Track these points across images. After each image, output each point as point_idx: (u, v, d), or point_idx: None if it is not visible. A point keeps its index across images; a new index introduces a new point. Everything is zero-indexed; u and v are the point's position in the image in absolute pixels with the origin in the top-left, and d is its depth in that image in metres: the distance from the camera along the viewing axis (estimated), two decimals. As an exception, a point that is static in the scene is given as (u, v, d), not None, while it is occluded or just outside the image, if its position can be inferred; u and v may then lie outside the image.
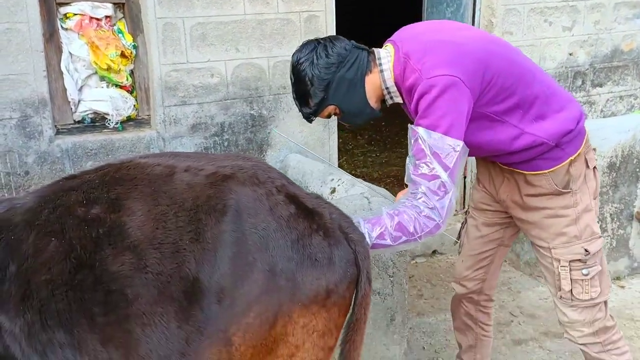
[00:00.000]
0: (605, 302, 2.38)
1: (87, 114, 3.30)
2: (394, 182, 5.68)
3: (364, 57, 2.15)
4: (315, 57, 2.09)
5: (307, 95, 2.14)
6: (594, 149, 2.42)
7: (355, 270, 1.88)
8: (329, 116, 2.24)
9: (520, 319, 3.75)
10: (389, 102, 2.26)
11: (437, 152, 1.98)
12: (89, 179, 1.84)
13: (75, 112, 3.28)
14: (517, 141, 2.18)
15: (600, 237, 2.33)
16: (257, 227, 1.74)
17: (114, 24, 3.31)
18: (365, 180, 4.03)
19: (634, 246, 4.16)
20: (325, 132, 3.82)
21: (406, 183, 2.13)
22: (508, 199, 2.40)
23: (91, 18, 3.21)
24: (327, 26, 3.71)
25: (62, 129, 3.24)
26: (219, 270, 1.70)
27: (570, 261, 2.30)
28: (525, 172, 2.28)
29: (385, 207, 2.17)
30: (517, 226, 2.55)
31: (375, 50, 2.22)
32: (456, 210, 4.78)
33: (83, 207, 1.74)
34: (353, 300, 1.90)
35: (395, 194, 3.01)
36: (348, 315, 1.91)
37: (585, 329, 2.38)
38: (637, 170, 3.99)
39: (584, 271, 2.29)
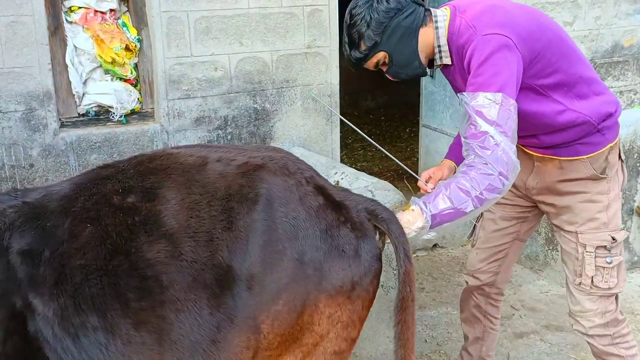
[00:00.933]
0: (618, 295, 2.42)
1: (92, 107, 3.31)
2: (394, 176, 5.70)
3: (421, 11, 2.21)
4: (375, 0, 2.14)
5: (361, 37, 2.16)
6: None
7: (380, 265, 1.92)
8: (375, 66, 2.25)
9: (521, 312, 3.78)
10: (438, 62, 2.26)
11: (479, 110, 2.01)
12: (123, 168, 1.89)
13: (80, 105, 3.29)
14: (562, 116, 2.21)
15: (622, 229, 2.38)
16: (288, 216, 1.78)
17: (119, 18, 3.31)
18: (367, 173, 4.05)
19: (634, 240, 4.19)
20: (327, 125, 3.83)
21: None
22: (539, 185, 2.42)
23: (96, 11, 3.21)
24: (331, 20, 3.72)
25: (66, 122, 3.25)
26: (250, 258, 1.73)
27: (596, 248, 2.33)
28: (561, 157, 2.31)
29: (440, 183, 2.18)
30: (534, 221, 2.59)
31: (432, 9, 2.26)
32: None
33: (119, 195, 1.78)
34: (397, 280, 1.92)
35: (395, 188, 3.12)
36: (395, 297, 1.94)
37: (597, 319, 2.41)
38: (638, 165, 4.02)
39: (608, 259, 2.32)
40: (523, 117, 2.17)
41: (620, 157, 2.35)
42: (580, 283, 2.40)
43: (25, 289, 1.70)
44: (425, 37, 2.20)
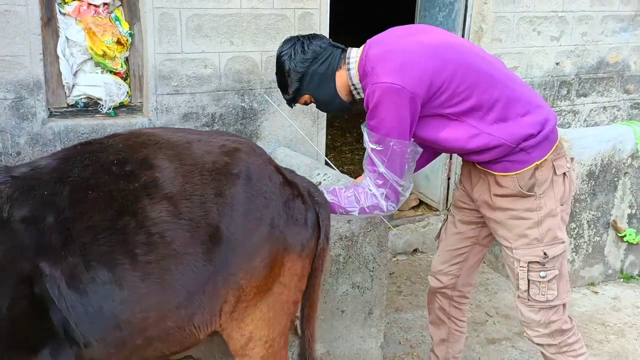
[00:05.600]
0: (564, 305, 2.49)
1: (81, 99, 3.35)
2: (380, 180, 5.76)
3: (336, 55, 2.45)
4: (293, 52, 2.42)
5: (285, 84, 2.49)
6: (572, 158, 2.52)
7: (318, 230, 2.30)
8: (306, 103, 2.56)
9: (495, 319, 3.86)
10: (357, 97, 2.50)
11: (374, 148, 2.31)
12: (110, 143, 2.13)
13: (69, 96, 3.33)
14: (475, 140, 2.33)
15: (563, 242, 2.43)
16: (262, 190, 2.12)
17: (112, 11, 3.36)
18: (351, 177, 4.11)
19: (609, 253, 4.28)
20: (314, 127, 3.89)
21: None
22: (480, 198, 2.53)
23: (89, 4, 3.25)
24: (321, 24, 3.78)
25: (55, 112, 3.29)
26: (234, 222, 2.04)
27: (529, 262, 2.42)
28: (495, 172, 2.42)
29: (350, 183, 2.62)
30: None
31: (350, 49, 2.48)
32: (438, 210, 4.89)
33: (115, 165, 2.01)
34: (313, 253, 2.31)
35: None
36: (311, 267, 2.32)
37: (541, 330, 2.50)
38: (615, 179, 4.11)
39: (542, 273, 2.41)
40: (437, 142, 2.40)
41: (555, 171, 2.39)
42: (519, 296, 2.49)
43: (33, 254, 1.84)
44: (341, 79, 2.45)
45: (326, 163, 3.52)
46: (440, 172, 4.83)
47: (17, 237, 1.85)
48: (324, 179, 3.28)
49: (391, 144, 2.26)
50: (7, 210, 1.87)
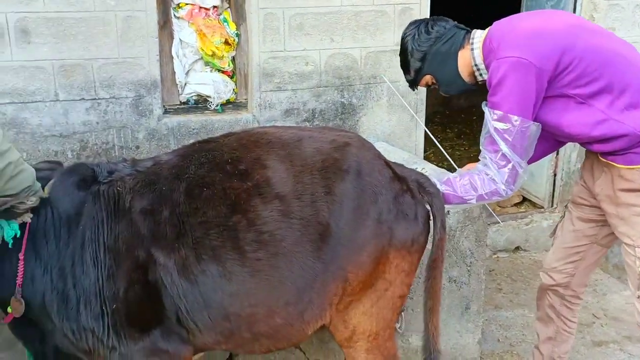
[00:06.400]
0: None
1: (192, 96, 3.58)
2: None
3: (460, 35, 2.43)
4: (417, 32, 2.43)
5: (407, 65, 2.49)
6: None
7: (429, 225, 2.28)
8: (427, 85, 2.55)
9: (602, 321, 3.69)
10: (479, 78, 2.45)
11: (497, 127, 2.23)
12: (225, 142, 2.24)
13: (182, 94, 3.57)
14: (601, 126, 2.22)
15: None
16: (372, 184, 2.15)
17: (220, 14, 3.56)
18: (451, 172, 4.08)
19: None
20: (412, 122, 3.90)
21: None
22: (602, 192, 2.42)
23: (200, 8, 3.47)
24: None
25: (169, 108, 3.55)
26: (344, 218, 2.09)
27: None
28: (619, 165, 2.30)
29: (460, 170, 2.55)
30: None
31: (474, 30, 2.45)
32: (543, 208, 4.72)
33: (229, 164, 2.13)
34: (431, 244, 2.28)
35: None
36: (428, 258, 2.31)
37: None
38: None
39: None
40: (558, 126, 2.30)
41: None
42: (638, 296, 2.35)
43: (148, 244, 2.03)
44: (463, 59, 2.42)
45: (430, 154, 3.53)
46: (545, 168, 4.66)
47: (136, 227, 2.04)
48: (422, 173, 3.29)
49: (516, 122, 2.19)
50: (129, 201, 2.07)
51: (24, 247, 2.00)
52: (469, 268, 3.12)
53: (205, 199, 2.06)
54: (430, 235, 2.31)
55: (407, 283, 2.27)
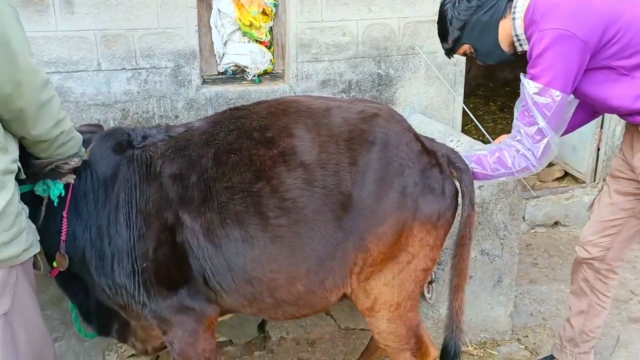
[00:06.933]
0: None
1: (230, 67, 3.63)
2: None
3: (502, 4, 2.36)
4: (457, 0, 2.37)
5: (446, 33, 2.44)
6: None
7: (457, 201, 2.26)
8: (465, 54, 2.50)
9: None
10: (519, 49, 2.41)
11: (537, 101, 2.18)
12: (255, 110, 2.27)
13: (220, 64, 3.63)
14: None
15: None
16: (398, 157, 2.15)
17: (258, -17, 3.57)
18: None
19: None
20: (450, 94, 3.86)
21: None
22: None
23: (238, -22, 3.49)
24: (461, -12, 3.70)
25: (207, 79, 3.61)
26: (366, 189, 2.11)
27: None
28: None
29: (489, 146, 2.50)
30: None
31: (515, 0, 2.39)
32: (585, 182, 4.62)
33: (257, 132, 2.17)
34: (459, 221, 2.28)
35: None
36: (456, 235, 2.31)
37: None
38: None
39: None
40: (600, 100, 2.26)
41: None
42: None
43: (176, 207, 2.12)
44: (504, 29, 2.36)
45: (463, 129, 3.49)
46: (589, 142, 4.55)
47: (165, 191, 2.13)
48: (457, 146, 3.27)
49: (557, 97, 2.16)
50: (159, 165, 2.16)
51: (67, 205, 2.12)
52: (502, 241, 3.11)
53: (232, 164, 2.12)
54: (458, 212, 2.30)
55: (431, 257, 2.26)
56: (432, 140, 2.37)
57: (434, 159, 2.22)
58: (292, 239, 2.08)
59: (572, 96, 2.22)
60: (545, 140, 2.22)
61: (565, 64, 2.14)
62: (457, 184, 2.27)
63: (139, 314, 2.20)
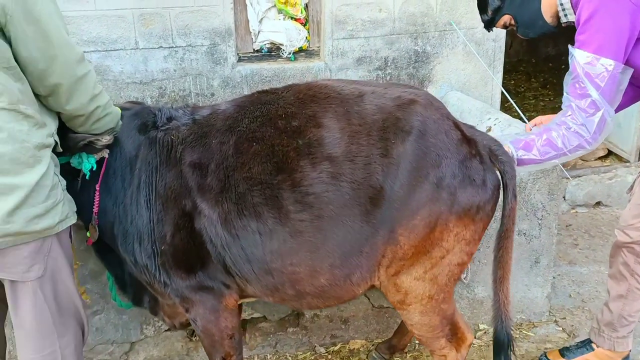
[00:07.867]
0: None
1: (265, 44, 3.62)
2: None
3: None
4: None
5: (485, 3, 2.35)
6: None
7: (499, 193, 2.15)
8: (505, 26, 2.40)
9: (684, 282, 3.51)
10: (562, 20, 2.30)
11: (588, 71, 2.07)
12: (283, 95, 2.16)
13: (255, 42, 3.62)
14: None
15: None
16: (436, 147, 2.03)
17: (293, -40, 3.54)
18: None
19: None
20: (489, 70, 3.77)
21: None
22: None
23: (273, -46, 3.46)
24: (502, -40, 3.58)
25: (243, 56, 3.61)
26: (399, 181, 2.00)
27: None
28: None
29: (537, 129, 2.37)
30: None
31: None
32: (629, 162, 4.47)
33: (282, 120, 2.07)
34: (502, 213, 2.19)
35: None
36: (500, 226, 2.22)
37: None
38: None
39: None
40: None
41: None
42: None
43: (195, 195, 2.09)
44: None
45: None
46: (634, 119, 4.40)
47: (184, 178, 2.10)
48: (494, 124, 3.21)
49: (610, 66, 2.04)
50: (180, 151, 2.13)
51: (100, 178, 2.16)
52: (539, 221, 3.05)
53: (253, 154, 2.04)
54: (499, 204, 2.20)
55: (467, 251, 2.16)
56: (473, 128, 2.25)
57: (475, 148, 2.10)
58: (314, 234, 2.00)
59: (627, 70, 2.10)
60: (599, 114, 2.10)
61: (616, 27, 2.03)
62: (499, 175, 2.16)
63: (163, 292, 2.24)
